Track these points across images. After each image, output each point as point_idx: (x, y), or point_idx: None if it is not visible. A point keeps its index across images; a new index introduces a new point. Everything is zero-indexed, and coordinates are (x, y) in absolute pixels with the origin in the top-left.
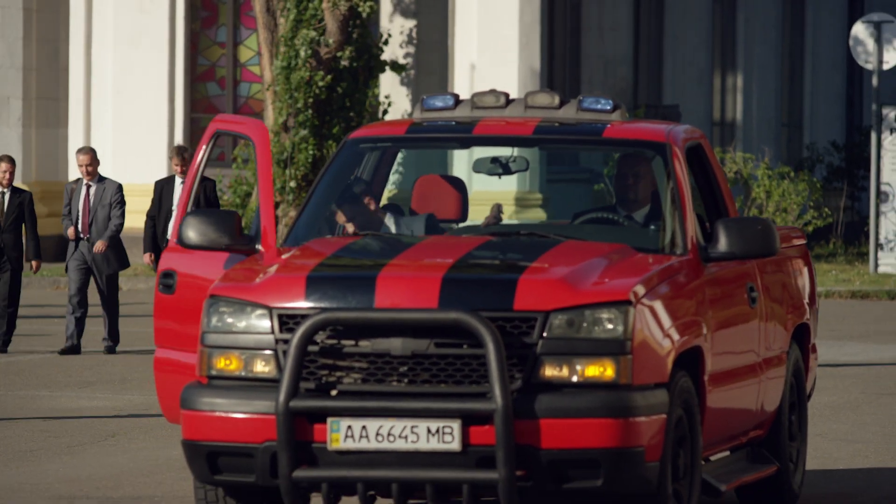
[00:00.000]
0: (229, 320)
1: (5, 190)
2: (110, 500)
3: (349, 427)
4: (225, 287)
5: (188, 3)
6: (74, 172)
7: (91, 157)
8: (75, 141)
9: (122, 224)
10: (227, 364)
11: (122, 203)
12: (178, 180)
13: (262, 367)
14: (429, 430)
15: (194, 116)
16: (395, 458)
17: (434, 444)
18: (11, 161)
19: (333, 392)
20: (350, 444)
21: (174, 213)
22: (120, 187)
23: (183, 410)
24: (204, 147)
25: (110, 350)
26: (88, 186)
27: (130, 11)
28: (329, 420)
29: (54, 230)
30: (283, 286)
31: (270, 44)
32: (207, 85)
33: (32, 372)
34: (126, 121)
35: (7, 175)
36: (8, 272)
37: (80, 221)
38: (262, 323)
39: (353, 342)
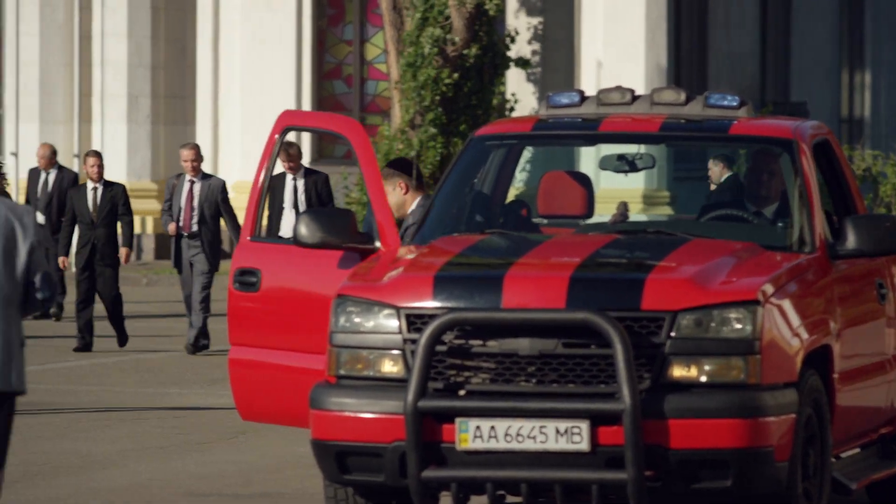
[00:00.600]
0: (357, 320)
1: (97, 185)
2: (239, 497)
3: (478, 427)
4: (353, 287)
5: (315, 0)
6: (204, 167)
7: (196, 152)
8: (203, 138)
9: (235, 224)
10: (355, 364)
11: (229, 201)
12: (288, 177)
13: (390, 367)
14: (557, 431)
15: None
16: (524, 458)
17: (563, 445)
18: (99, 155)
19: (462, 392)
20: (479, 445)
21: (285, 210)
22: (225, 185)
23: (312, 410)
24: (277, 138)
25: (192, 351)
26: (192, 182)
27: (258, 9)
28: (457, 420)
29: None
30: (410, 286)
31: (397, 41)
32: (334, 83)
33: (161, 369)
34: (253, 118)
35: (96, 169)
36: (106, 270)
37: (181, 218)
38: (389, 323)
39: (480, 342)
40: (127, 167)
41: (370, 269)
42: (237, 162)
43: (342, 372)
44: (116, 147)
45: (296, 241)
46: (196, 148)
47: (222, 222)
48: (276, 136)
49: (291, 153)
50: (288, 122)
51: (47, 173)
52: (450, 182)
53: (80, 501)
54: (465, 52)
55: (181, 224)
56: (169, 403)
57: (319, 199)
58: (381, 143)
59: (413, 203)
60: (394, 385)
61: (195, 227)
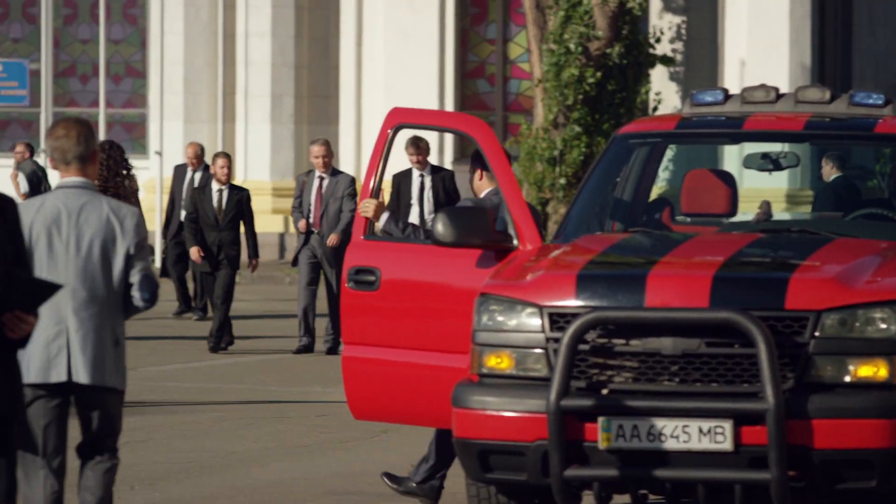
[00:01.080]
0: (500, 318)
1: (223, 187)
2: (382, 496)
3: (620, 426)
4: (495, 285)
5: (458, 0)
6: (345, 168)
7: (326, 148)
8: (346, 138)
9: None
10: (498, 362)
11: (354, 197)
12: (415, 173)
13: (532, 366)
14: (700, 430)
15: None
16: (667, 457)
17: (706, 444)
18: (228, 157)
19: (604, 391)
20: (621, 444)
21: (412, 206)
22: (353, 181)
23: (455, 409)
24: (389, 133)
25: (331, 351)
26: (321, 179)
27: (401, 8)
28: (600, 419)
29: None
30: (553, 284)
31: (540, 40)
32: (477, 82)
33: (304, 368)
34: None
35: (224, 171)
36: (224, 270)
37: (311, 214)
38: (532, 321)
39: (623, 341)
40: (270, 166)
41: (512, 268)
42: None
43: (485, 370)
44: (260, 146)
45: (434, 239)
46: (327, 144)
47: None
48: (389, 131)
49: (421, 146)
50: (399, 120)
51: (194, 172)
52: (593, 180)
53: (224, 500)
54: (609, 50)
55: (311, 220)
56: (311, 401)
57: (447, 196)
58: (523, 143)
59: (483, 192)
60: (536, 384)
61: (323, 224)
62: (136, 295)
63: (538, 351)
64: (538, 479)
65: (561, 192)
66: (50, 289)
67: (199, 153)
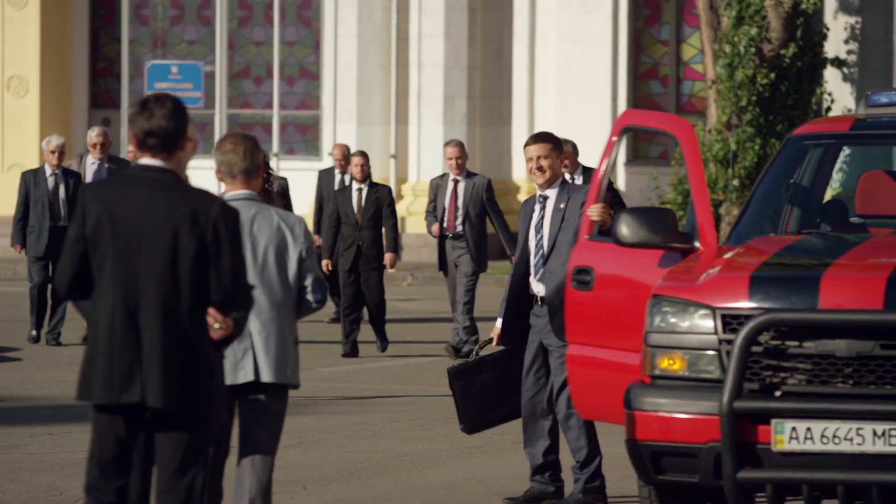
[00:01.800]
0: (672, 320)
1: (362, 186)
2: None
3: (793, 429)
4: (668, 287)
5: (631, 1)
6: (519, 170)
7: (460, 150)
8: (519, 139)
9: (502, 222)
10: (670, 364)
11: (493, 200)
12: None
13: (705, 368)
14: (874, 433)
15: None
16: (841, 460)
17: (880, 447)
18: (364, 155)
19: (777, 393)
20: (795, 446)
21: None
22: (490, 183)
23: (627, 410)
24: (615, 140)
25: (453, 354)
26: (456, 182)
27: (573, 10)
28: (773, 421)
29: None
30: (726, 286)
31: (713, 42)
32: (650, 83)
33: None
34: (569, 119)
35: (359, 169)
36: (372, 274)
37: (445, 218)
38: (705, 323)
39: (797, 343)
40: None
41: (686, 269)
42: None
43: (657, 372)
44: (432, 148)
45: (615, 239)
46: (460, 145)
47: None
48: (615, 137)
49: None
50: (628, 121)
51: (342, 173)
52: (766, 182)
53: (396, 501)
54: (782, 51)
55: (445, 225)
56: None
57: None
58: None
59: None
60: (709, 385)
61: (459, 228)
62: (310, 297)
63: (711, 353)
64: (710, 481)
65: (734, 194)
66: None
67: (347, 154)
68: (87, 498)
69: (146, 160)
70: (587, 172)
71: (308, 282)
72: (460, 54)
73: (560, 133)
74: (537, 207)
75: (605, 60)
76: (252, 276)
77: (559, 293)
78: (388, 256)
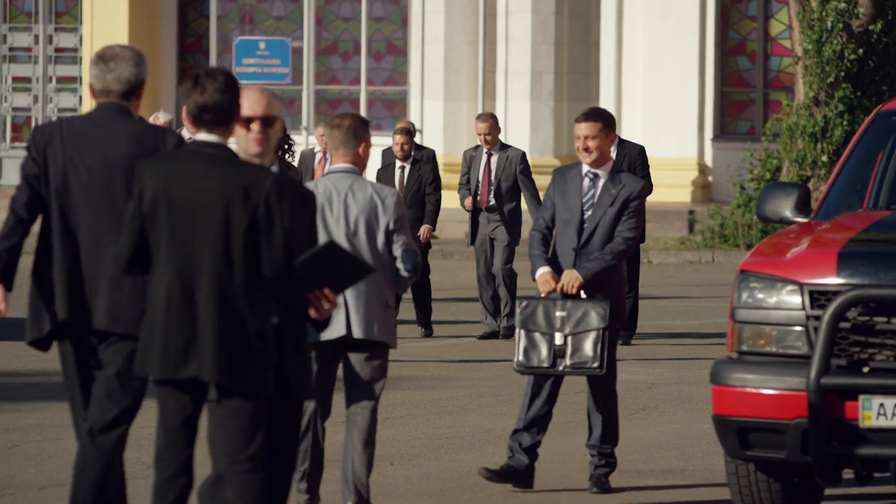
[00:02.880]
0: (760, 296)
1: (404, 164)
2: (641, 472)
3: (881, 405)
4: (755, 262)
5: None
6: None
7: (490, 124)
8: None
9: (534, 195)
10: (757, 340)
11: (528, 173)
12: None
13: (792, 343)
14: None
15: (724, 90)
16: None
17: None
18: (407, 132)
19: (865, 369)
20: (882, 422)
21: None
22: (524, 156)
23: (714, 386)
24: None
25: (487, 335)
26: (489, 154)
27: None
28: (861, 397)
29: None
30: (813, 262)
31: (801, 17)
32: (738, 59)
33: None
34: (656, 95)
35: (401, 148)
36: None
37: (478, 191)
38: (792, 299)
39: (885, 319)
40: (530, 143)
41: (774, 245)
42: (639, 138)
43: (744, 348)
44: (519, 123)
45: (758, 215)
46: (491, 119)
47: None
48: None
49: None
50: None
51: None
52: (853, 157)
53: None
54: (871, 27)
55: (478, 198)
56: (569, 379)
57: (631, 171)
58: (784, 120)
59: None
60: (796, 361)
61: (492, 201)
62: (401, 267)
63: (798, 328)
64: (798, 456)
65: (823, 170)
66: (365, 270)
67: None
68: (154, 469)
69: (202, 136)
70: (622, 145)
71: (398, 252)
72: (547, 29)
73: (644, 108)
74: (586, 182)
75: (692, 36)
76: (343, 243)
77: (596, 276)
78: (424, 228)
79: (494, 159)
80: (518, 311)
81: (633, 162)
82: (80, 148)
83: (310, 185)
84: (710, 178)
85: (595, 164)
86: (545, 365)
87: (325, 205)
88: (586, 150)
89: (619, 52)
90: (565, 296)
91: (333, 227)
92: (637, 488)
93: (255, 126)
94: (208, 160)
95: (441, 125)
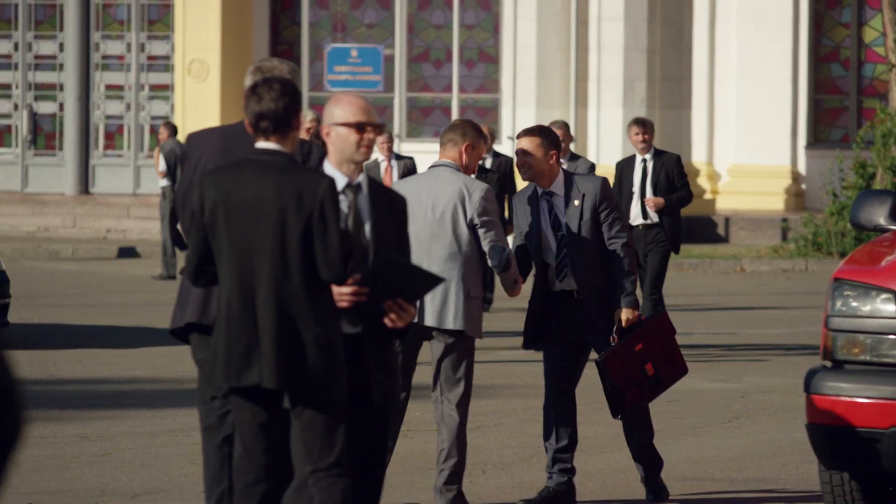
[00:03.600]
0: (854, 304)
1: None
2: (734, 481)
3: None
4: (849, 270)
5: None
6: (699, 153)
7: (563, 132)
8: (698, 122)
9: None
10: (851, 348)
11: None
12: (637, 158)
13: (887, 352)
14: None
15: (817, 98)
16: None
17: None
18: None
19: None
20: None
21: (634, 196)
22: (593, 167)
23: (807, 394)
24: None
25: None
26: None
27: None
28: None
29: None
30: None
31: (895, 24)
32: (831, 66)
33: None
34: (749, 102)
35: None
36: None
37: None
38: (887, 307)
39: None
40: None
41: (869, 253)
42: (731, 146)
43: (838, 356)
44: (611, 131)
45: (851, 223)
46: (563, 127)
47: (749, 203)
48: None
49: (647, 125)
50: None
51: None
52: None
53: (576, 484)
54: None
55: None
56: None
57: (669, 181)
58: (878, 127)
59: (558, 175)
60: (891, 370)
61: None
62: (488, 262)
63: (893, 337)
64: (893, 465)
65: None
66: (433, 281)
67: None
68: (234, 477)
69: (260, 143)
70: (658, 155)
71: (486, 247)
72: (640, 36)
73: (737, 116)
74: (542, 204)
75: (785, 43)
76: (428, 230)
77: (596, 288)
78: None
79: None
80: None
81: (671, 171)
82: (230, 157)
83: (411, 179)
84: (803, 186)
85: (544, 182)
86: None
87: (415, 196)
88: (523, 165)
89: (712, 59)
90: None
91: (420, 215)
92: (730, 497)
93: (369, 131)
94: (264, 167)
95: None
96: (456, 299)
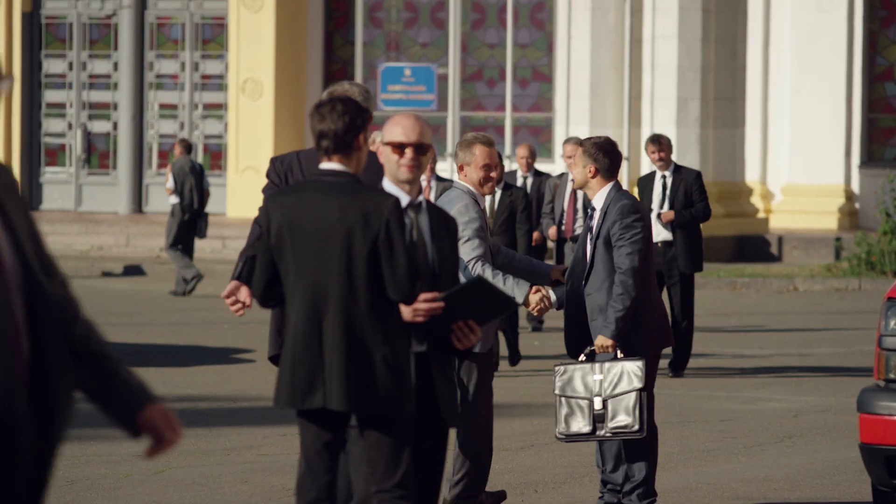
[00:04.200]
0: None
1: (497, 188)
2: (787, 501)
3: None
4: None
5: (867, 1)
6: (752, 172)
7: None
8: (752, 141)
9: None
10: None
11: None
12: (658, 174)
13: None
14: None
15: (872, 117)
16: None
17: None
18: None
19: None
20: None
21: (653, 212)
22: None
23: (860, 414)
24: None
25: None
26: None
27: (809, 10)
28: None
29: (731, 230)
30: None
31: None
32: (885, 85)
33: (709, 373)
34: (803, 120)
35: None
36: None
37: (563, 221)
38: None
39: None
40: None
41: None
42: (785, 164)
43: (892, 376)
44: None
45: None
46: (576, 143)
47: (800, 222)
48: None
49: (663, 142)
50: None
51: (524, 177)
52: None
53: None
54: None
55: (563, 227)
56: (718, 407)
57: (687, 197)
58: None
59: (600, 190)
60: None
61: (578, 231)
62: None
63: None
64: None
65: None
66: (509, 306)
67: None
68: (296, 495)
69: (324, 164)
70: (678, 171)
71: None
72: (694, 55)
73: (791, 135)
74: (593, 214)
75: (839, 61)
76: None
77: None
78: None
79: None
80: (556, 378)
81: (690, 187)
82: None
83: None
84: (856, 205)
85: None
86: (585, 431)
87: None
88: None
89: (766, 78)
90: (598, 357)
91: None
92: None
93: (408, 152)
94: (329, 188)
95: None
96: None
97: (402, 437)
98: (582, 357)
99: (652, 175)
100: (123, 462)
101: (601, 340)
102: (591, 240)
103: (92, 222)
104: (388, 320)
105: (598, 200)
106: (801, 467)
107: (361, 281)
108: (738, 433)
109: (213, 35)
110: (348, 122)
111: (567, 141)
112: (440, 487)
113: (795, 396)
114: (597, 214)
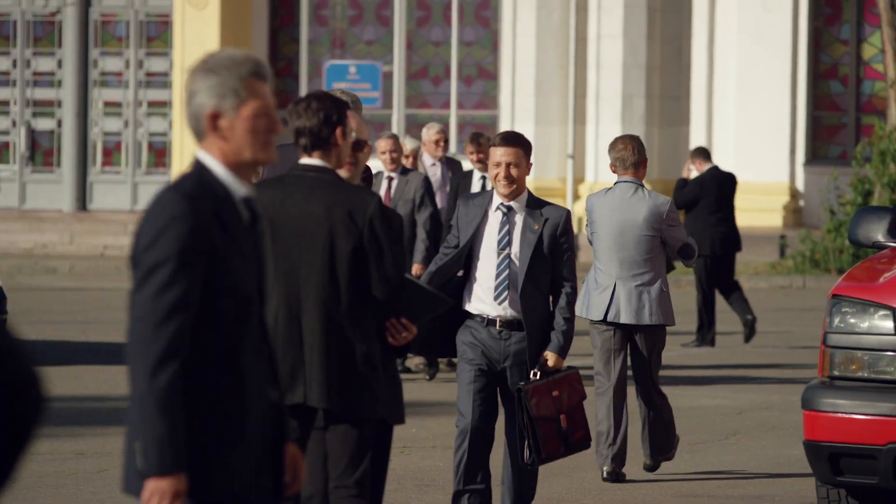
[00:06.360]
0: (851, 321)
1: (391, 174)
2: (730, 498)
3: None
4: (847, 287)
5: (812, 0)
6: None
7: (394, 142)
8: (697, 139)
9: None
10: (849, 365)
11: (429, 204)
12: (476, 174)
13: (885, 369)
14: None
15: (816, 114)
16: None
17: None
18: (396, 139)
19: None
20: None
21: None
22: (425, 180)
23: (805, 411)
24: None
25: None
26: (390, 179)
27: (754, 8)
28: None
29: None
30: None
31: (894, 41)
32: (830, 83)
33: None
34: (748, 118)
35: (389, 156)
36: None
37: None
38: (885, 324)
39: None
40: None
41: (867, 270)
42: (730, 162)
43: (836, 373)
44: None
45: (850, 239)
46: (394, 138)
47: (751, 220)
48: None
49: (482, 143)
50: None
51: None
52: None
53: (572, 500)
54: None
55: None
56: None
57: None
58: (876, 144)
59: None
60: (889, 387)
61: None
62: (682, 261)
63: (891, 353)
64: (890, 482)
65: None
66: (439, 303)
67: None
68: None
69: (305, 159)
70: (452, 164)
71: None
72: (638, 54)
73: (737, 132)
74: (496, 216)
75: (784, 60)
76: (614, 242)
77: (544, 326)
78: (415, 267)
79: (395, 184)
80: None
81: (415, 194)
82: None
83: (600, 193)
84: (801, 203)
85: (512, 196)
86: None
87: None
88: (507, 178)
89: (711, 76)
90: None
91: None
92: None
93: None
94: (312, 184)
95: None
96: (653, 297)
97: (368, 436)
98: (535, 373)
99: (470, 174)
100: (67, 460)
101: (553, 359)
102: (526, 246)
103: (36, 220)
104: (366, 319)
105: (520, 202)
106: (746, 464)
107: (343, 279)
108: (682, 430)
109: (157, 32)
110: (323, 119)
111: (380, 136)
112: (383, 487)
113: (739, 394)
114: (520, 216)
